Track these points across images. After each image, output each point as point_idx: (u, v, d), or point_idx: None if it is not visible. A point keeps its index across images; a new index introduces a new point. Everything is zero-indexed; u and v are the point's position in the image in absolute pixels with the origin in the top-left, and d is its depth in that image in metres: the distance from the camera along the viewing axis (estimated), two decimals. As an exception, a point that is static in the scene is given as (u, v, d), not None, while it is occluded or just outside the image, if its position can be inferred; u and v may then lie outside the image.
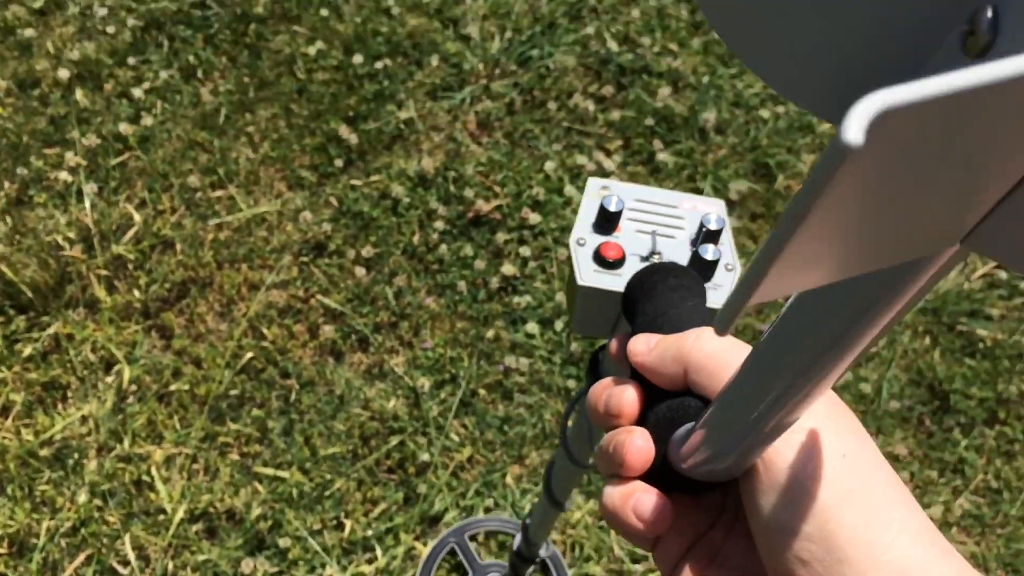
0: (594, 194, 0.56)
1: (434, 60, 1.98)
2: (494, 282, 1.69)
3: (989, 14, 0.16)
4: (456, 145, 1.86)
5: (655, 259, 0.54)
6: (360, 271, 1.67)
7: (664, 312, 0.44)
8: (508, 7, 2.09)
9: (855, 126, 0.12)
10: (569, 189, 1.80)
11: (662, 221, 0.56)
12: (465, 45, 2.02)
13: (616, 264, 0.53)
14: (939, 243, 0.18)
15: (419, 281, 1.69)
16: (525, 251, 1.71)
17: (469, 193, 1.77)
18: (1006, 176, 0.16)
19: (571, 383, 1.60)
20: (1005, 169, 0.16)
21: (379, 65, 1.95)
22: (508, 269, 1.70)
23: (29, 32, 1.93)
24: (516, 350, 1.63)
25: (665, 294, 0.45)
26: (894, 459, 1.61)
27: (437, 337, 1.63)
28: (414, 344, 1.63)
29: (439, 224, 1.74)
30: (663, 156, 1.88)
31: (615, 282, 0.52)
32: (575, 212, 1.77)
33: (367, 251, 1.69)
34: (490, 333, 1.63)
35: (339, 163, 1.80)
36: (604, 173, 1.84)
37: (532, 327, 1.64)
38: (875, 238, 0.16)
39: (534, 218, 1.75)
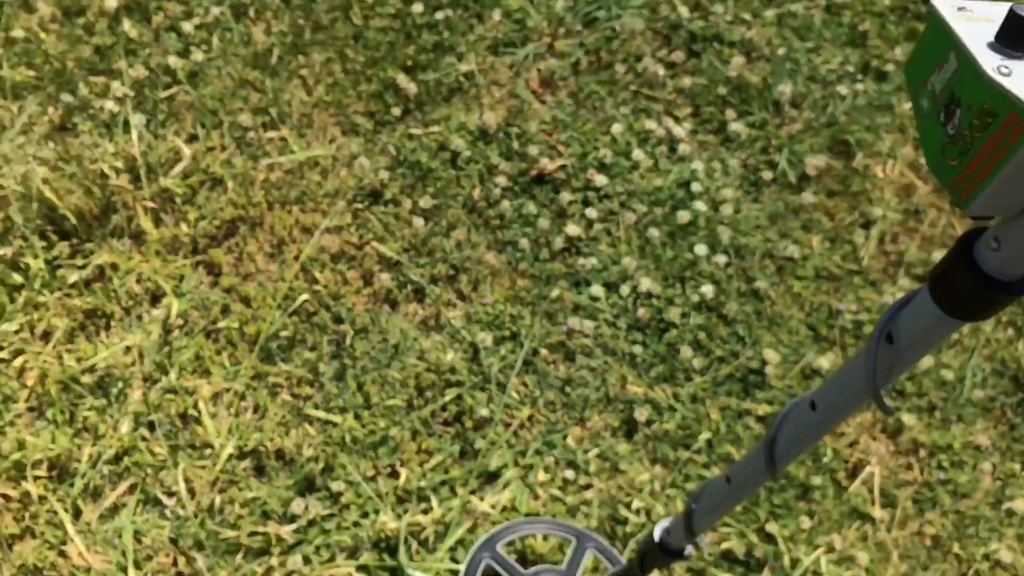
0: (960, 16, 0.54)
1: (496, 14, 2.13)
2: (558, 242, 1.82)
3: None
4: (518, 101, 2.00)
5: None
6: (418, 221, 1.81)
7: None
8: (574, -33, 2.25)
9: None
10: (637, 153, 1.94)
11: None
12: (528, 1, 2.17)
13: None
14: None
15: (479, 236, 1.82)
16: (591, 213, 1.85)
17: (533, 150, 1.91)
18: None
19: (637, 349, 1.73)
20: None
21: (439, 16, 2.10)
22: (573, 230, 1.83)
23: (73, -41, 2.08)
24: (579, 312, 1.76)
25: None
26: (975, 449, 1.74)
27: (497, 293, 1.76)
28: (473, 299, 1.76)
29: (501, 180, 1.87)
30: (736, 126, 2.02)
31: None
32: (643, 177, 1.92)
33: (425, 202, 1.83)
34: (553, 293, 1.76)
35: (396, 112, 1.94)
36: (673, 139, 1.98)
37: (597, 290, 1.78)
38: None
39: (600, 180, 1.89)
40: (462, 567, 1.43)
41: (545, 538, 1.54)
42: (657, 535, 1.06)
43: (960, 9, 0.53)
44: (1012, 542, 1.69)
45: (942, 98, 0.53)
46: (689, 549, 1.04)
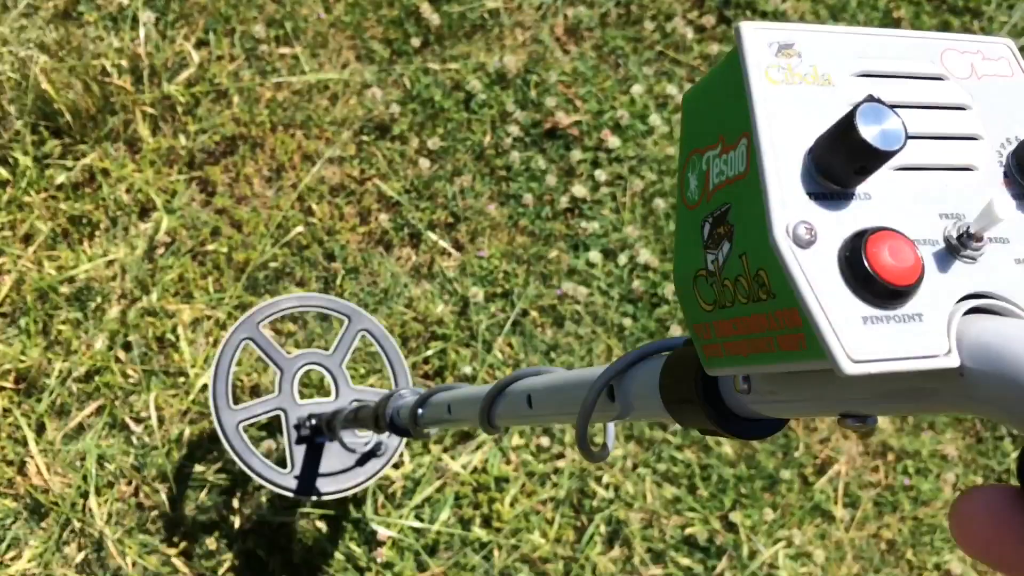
0: (775, 72, 0.30)
1: (529, -49, 1.89)
2: (562, 201, 1.64)
3: None
4: (541, 47, 1.79)
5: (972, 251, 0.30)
6: (424, 162, 1.62)
7: None
8: (615, -90, 2.00)
9: None
10: (654, 118, 1.74)
11: (932, 126, 0.31)
12: (564, -58, 1.93)
13: (908, 291, 0.28)
14: None
15: (483, 185, 1.64)
16: (600, 175, 1.67)
17: (550, 102, 1.71)
18: None
19: (627, 321, 1.58)
20: None
21: (471, -55, 1.86)
22: (579, 190, 1.65)
23: None
24: (574, 276, 1.60)
25: None
26: (942, 458, 1.61)
27: (494, 247, 1.59)
28: (469, 250, 1.59)
29: (513, 129, 1.68)
30: (756, 102, 1.83)
31: (920, 341, 0.28)
32: (657, 144, 1.73)
33: (433, 143, 1.64)
34: (551, 254, 1.60)
35: (415, 42, 1.73)
36: (692, 108, 1.79)
37: (595, 255, 1.61)
38: None
39: (613, 141, 1.70)
40: (218, 349, 1.20)
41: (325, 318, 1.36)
42: (388, 410, 0.90)
43: (782, 52, 0.31)
44: (963, 554, 1.58)
45: (713, 201, 0.32)
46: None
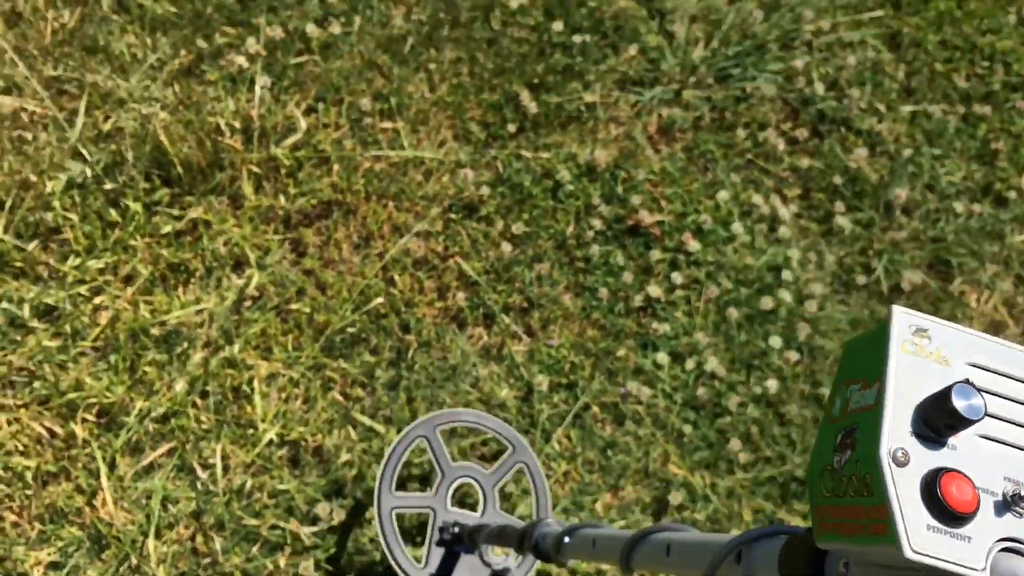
0: (909, 346, 0.42)
1: (632, 49, 1.94)
2: (636, 299, 1.66)
3: None
4: (632, 144, 1.82)
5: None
6: (506, 246, 1.66)
7: None
8: (720, 15, 2.03)
9: None
10: (736, 226, 1.75)
11: (1013, 415, 0.42)
12: (667, 42, 1.97)
13: (964, 519, 0.38)
14: None
15: (561, 274, 1.67)
16: (676, 277, 1.68)
17: (635, 199, 1.73)
18: None
19: (687, 428, 1.58)
20: None
21: (576, 38, 1.92)
22: (654, 290, 1.67)
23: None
24: (640, 375, 1.61)
25: None
26: None
27: (564, 337, 1.61)
28: (539, 337, 1.61)
29: (596, 222, 1.71)
30: (841, 220, 1.82)
31: (965, 554, 0.38)
32: (736, 252, 1.74)
33: (517, 227, 1.68)
34: (620, 351, 1.61)
35: (511, 127, 1.78)
36: (776, 220, 1.79)
37: (662, 357, 1.62)
38: None
39: (693, 245, 1.71)
40: (396, 438, 1.28)
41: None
42: (534, 535, 0.97)
43: (918, 333, 0.43)
44: None
45: (848, 419, 0.44)
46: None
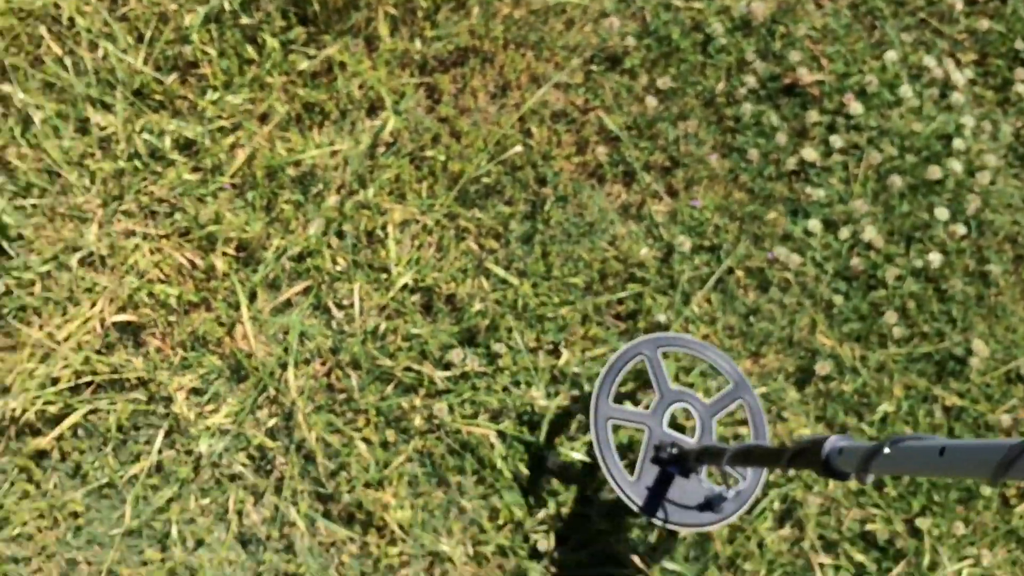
0: None
1: None
2: (789, 163, 1.54)
3: None
4: (791, -2, 1.67)
5: None
6: (650, 100, 1.55)
7: None
8: None
9: None
10: (905, 89, 1.60)
11: None
12: None
13: None
14: None
15: (708, 133, 1.56)
16: (835, 140, 1.55)
17: (793, 56, 1.59)
18: None
19: (837, 298, 1.47)
20: None
21: None
22: (809, 154, 1.54)
23: None
24: (788, 242, 1.50)
25: None
26: None
27: (708, 199, 1.52)
28: (682, 197, 1.52)
29: (749, 79, 1.58)
30: (1021, 89, 1.64)
31: None
32: (903, 117, 1.59)
33: (663, 82, 1.57)
34: (769, 215, 1.51)
35: (660, -24, 1.65)
36: (948, 85, 1.63)
37: (815, 224, 1.50)
38: None
39: (855, 108, 1.57)
40: (617, 351, 1.26)
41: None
42: (826, 449, 0.88)
43: None
44: None
45: None
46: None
